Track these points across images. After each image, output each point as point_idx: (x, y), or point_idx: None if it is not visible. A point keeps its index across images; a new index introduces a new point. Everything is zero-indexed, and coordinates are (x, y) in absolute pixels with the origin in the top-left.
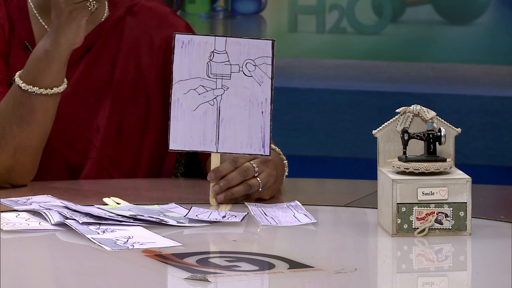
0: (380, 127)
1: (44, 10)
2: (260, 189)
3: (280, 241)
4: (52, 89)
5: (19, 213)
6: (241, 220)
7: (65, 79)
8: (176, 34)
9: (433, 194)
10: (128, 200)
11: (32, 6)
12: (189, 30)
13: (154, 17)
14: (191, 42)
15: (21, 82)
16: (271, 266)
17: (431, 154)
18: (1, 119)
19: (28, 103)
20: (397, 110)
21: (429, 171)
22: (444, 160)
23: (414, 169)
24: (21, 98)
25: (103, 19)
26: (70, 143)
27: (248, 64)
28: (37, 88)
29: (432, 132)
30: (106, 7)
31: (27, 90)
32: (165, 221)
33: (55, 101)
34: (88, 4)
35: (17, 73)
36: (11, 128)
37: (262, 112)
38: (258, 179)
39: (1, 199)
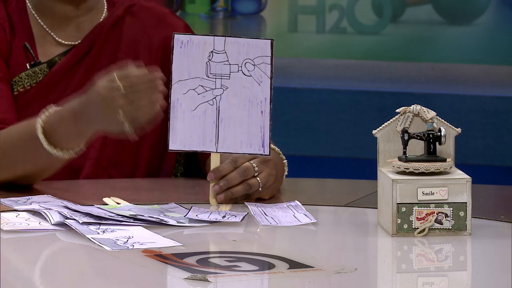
0: (380, 127)
1: (41, 11)
2: (260, 188)
3: (280, 241)
4: (68, 151)
5: (19, 213)
6: (241, 220)
7: (82, 144)
8: (175, 34)
9: (433, 194)
10: (128, 200)
11: (30, 7)
12: (188, 31)
13: (153, 17)
14: (190, 42)
15: (40, 131)
16: (271, 266)
17: (431, 154)
18: (10, 148)
19: (39, 150)
20: (397, 110)
21: (429, 171)
22: (444, 160)
23: (414, 169)
24: (34, 143)
25: (101, 19)
26: None
27: (247, 63)
28: (52, 147)
29: (432, 132)
30: (105, 7)
31: (41, 143)
32: (165, 221)
33: (67, 159)
34: (130, 133)
35: (42, 117)
36: (15, 161)
37: (262, 112)
38: (258, 178)
39: (1, 199)
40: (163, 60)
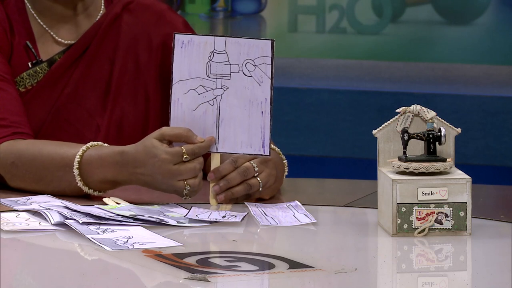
0: (380, 127)
1: (41, 11)
2: (260, 189)
3: (280, 241)
4: (99, 191)
5: (19, 213)
6: (241, 220)
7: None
8: (176, 34)
9: (433, 194)
10: (129, 200)
11: (30, 7)
12: (186, 26)
13: (151, 14)
14: (191, 42)
15: (76, 168)
16: (271, 266)
17: (431, 154)
18: (39, 167)
19: (69, 180)
20: (397, 110)
21: (429, 171)
22: (444, 160)
23: (414, 169)
24: (66, 172)
25: (98, 17)
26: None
27: (248, 64)
28: (83, 184)
29: (432, 132)
30: (102, 4)
31: (74, 176)
32: (165, 221)
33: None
34: (185, 192)
35: (80, 153)
36: (38, 180)
37: (262, 112)
38: (258, 179)
39: (1, 199)
40: (162, 57)
